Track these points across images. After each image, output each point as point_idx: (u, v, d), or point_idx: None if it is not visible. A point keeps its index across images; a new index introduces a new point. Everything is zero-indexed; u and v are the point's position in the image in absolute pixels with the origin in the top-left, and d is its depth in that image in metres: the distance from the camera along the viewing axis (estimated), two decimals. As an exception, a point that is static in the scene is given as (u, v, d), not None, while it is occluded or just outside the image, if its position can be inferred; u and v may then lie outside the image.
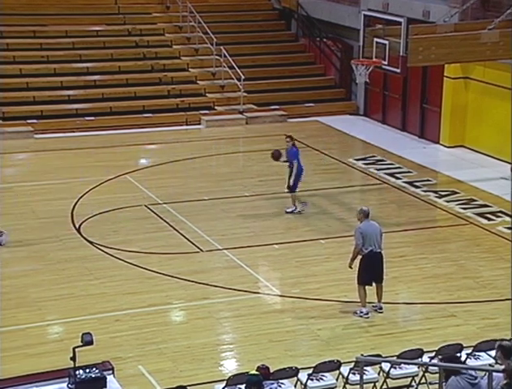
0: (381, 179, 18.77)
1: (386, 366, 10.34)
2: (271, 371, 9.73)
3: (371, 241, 12.34)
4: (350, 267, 12.61)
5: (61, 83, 22.98)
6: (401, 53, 17.83)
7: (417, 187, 18.27)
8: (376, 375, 10.32)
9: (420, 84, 22.04)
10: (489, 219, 16.45)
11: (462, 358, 10.17)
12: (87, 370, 9.18)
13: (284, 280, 13.78)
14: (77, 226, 15.63)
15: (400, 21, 18.26)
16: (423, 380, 10.41)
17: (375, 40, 18.26)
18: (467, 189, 18.11)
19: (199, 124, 22.76)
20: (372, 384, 10.28)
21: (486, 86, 20.21)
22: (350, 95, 24.68)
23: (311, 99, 24.12)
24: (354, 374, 10.11)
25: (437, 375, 9.01)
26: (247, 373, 9.29)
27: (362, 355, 10.23)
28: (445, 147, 21.14)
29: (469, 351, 10.56)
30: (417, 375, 10.41)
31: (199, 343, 11.64)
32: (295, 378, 10.07)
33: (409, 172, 19.27)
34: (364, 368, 9.79)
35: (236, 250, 14.72)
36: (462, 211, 16.89)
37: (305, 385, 10.05)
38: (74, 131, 21.70)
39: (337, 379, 10.23)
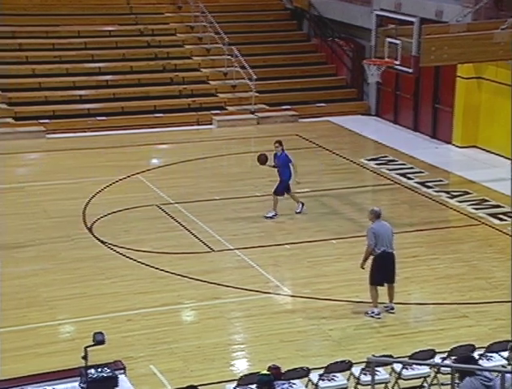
0: (393, 179, 18.71)
1: (397, 367, 10.30)
2: (282, 371, 9.72)
3: (383, 241, 12.30)
4: (362, 268, 12.58)
5: (73, 83, 23.04)
6: (413, 53, 17.75)
7: (429, 187, 18.21)
8: (387, 376, 10.29)
9: (433, 84, 21.97)
10: (502, 219, 16.38)
11: (475, 359, 10.13)
12: (99, 370, 9.19)
13: (295, 280, 13.76)
14: (89, 226, 15.65)
15: (413, 21, 18.19)
16: (435, 381, 10.36)
17: (387, 39, 18.20)
18: (479, 189, 18.03)
19: (211, 124, 22.77)
20: (383, 385, 10.25)
21: (499, 86, 20.12)
22: (362, 95, 24.62)
23: (323, 99, 24.09)
24: (365, 374, 10.07)
25: (449, 376, 8.95)
26: (258, 373, 9.27)
27: (373, 355, 10.19)
28: (458, 147, 21.06)
29: (481, 352, 10.50)
30: (429, 376, 10.37)
31: (210, 343, 11.63)
32: (306, 379, 10.05)
33: (421, 172, 19.21)
34: (376, 368, 9.76)
35: (248, 250, 14.70)
36: (474, 211, 16.82)
37: (317, 385, 10.03)
38: (85, 131, 21.75)
39: (348, 380, 10.20)
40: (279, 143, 16.13)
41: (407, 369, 10.30)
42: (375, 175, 19.19)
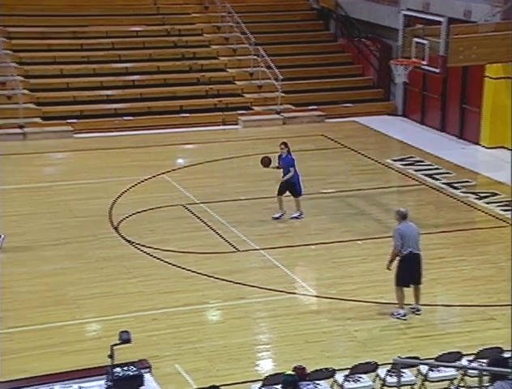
0: (419, 180, 18.60)
1: (423, 369, 10.23)
2: (308, 372, 9.69)
3: (410, 242, 12.23)
4: (388, 269, 12.51)
5: (100, 83, 23.17)
6: (441, 53, 17.64)
7: (456, 188, 18.07)
8: (413, 378, 10.23)
9: (460, 84, 21.81)
10: (530, 221, 16.22)
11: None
12: (125, 368, 9.20)
13: (321, 281, 13.72)
14: (115, 225, 15.72)
15: (441, 21, 18.07)
16: (461, 383, 10.27)
17: (414, 39, 18.10)
18: (507, 190, 17.86)
19: (236, 124, 22.78)
20: (409, 387, 10.18)
21: (527, 86, 19.94)
22: (388, 95, 24.51)
23: (349, 99, 24.01)
24: (391, 376, 10.02)
25: (476, 379, 8.88)
26: (283, 373, 9.26)
27: (399, 357, 10.13)
28: (485, 147, 20.89)
29: (508, 355, 10.38)
30: (456, 378, 10.28)
31: (236, 342, 11.63)
32: (331, 380, 10.02)
33: (448, 173, 19.08)
34: (402, 370, 9.70)
35: (273, 250, 14.68)
36: (502, 213, 16.67)
37: (342, 386, 9.99)
38: (112, 131, 21.85)
39: (374, 381, 10.15)
40: (285, 144, 16.09)
41: (433, 371, 10.23)
42: (401, 176, 19.08)
